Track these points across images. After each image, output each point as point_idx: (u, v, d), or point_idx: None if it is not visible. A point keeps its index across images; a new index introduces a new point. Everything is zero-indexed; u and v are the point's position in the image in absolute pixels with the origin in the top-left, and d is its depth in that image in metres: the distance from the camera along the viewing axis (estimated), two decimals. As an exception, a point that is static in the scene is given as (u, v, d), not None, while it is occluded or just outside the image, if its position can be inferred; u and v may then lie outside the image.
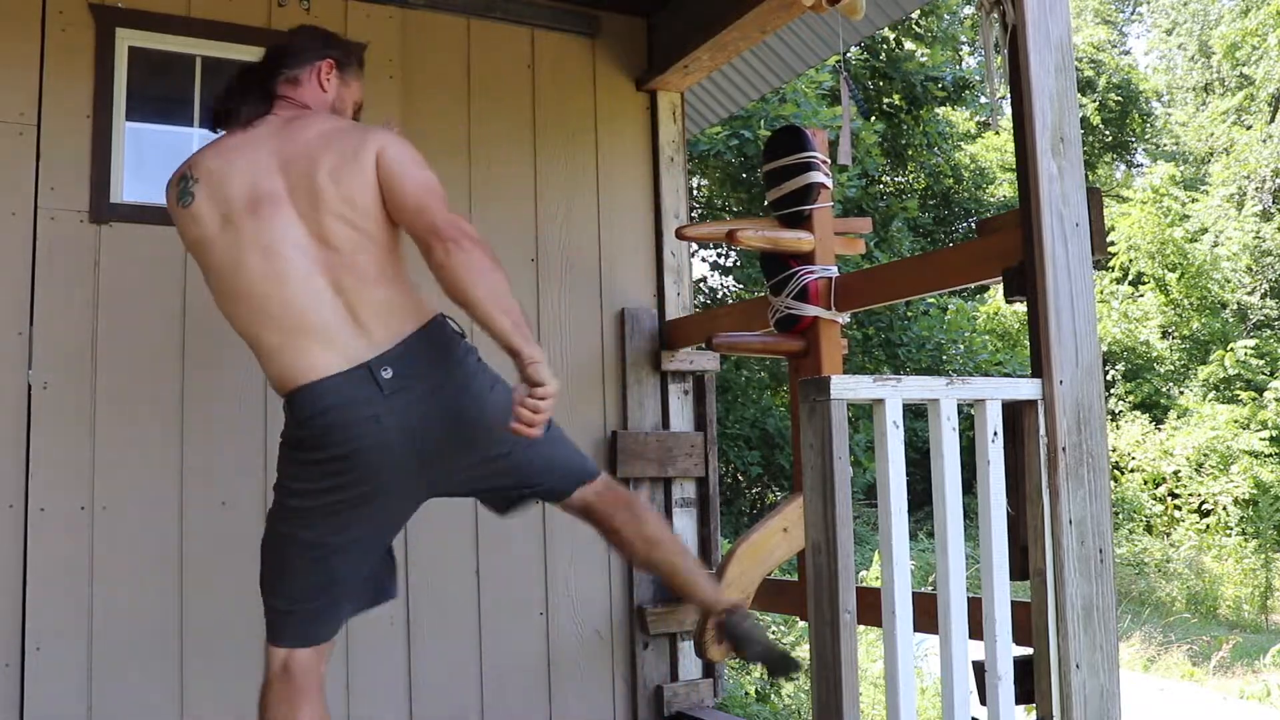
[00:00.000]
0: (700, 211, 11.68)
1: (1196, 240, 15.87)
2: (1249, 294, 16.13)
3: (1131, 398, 14.78)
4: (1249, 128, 18.35)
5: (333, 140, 2.10)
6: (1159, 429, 13.64)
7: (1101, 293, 15.53)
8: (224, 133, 2.20)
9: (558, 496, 2.41)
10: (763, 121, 9.68)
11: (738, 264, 11.95)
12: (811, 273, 2.86)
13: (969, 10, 14.15)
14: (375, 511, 2.15)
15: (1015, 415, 2.20)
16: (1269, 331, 15.55)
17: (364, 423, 2.02)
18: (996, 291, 12.79)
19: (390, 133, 2.15)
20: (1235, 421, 12.69)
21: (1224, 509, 11.74)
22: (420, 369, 2.07)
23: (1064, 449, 2.16)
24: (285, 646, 2.16)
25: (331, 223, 2.05)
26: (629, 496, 2.52)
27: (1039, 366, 2.20)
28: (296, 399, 2.05)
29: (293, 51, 2.29)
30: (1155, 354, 15.18)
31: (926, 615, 2.19)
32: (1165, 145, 21.44)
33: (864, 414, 9.24)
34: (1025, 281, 2.24)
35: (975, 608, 2.13)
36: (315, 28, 2.41)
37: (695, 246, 9.82)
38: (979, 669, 2.14)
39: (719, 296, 12.49)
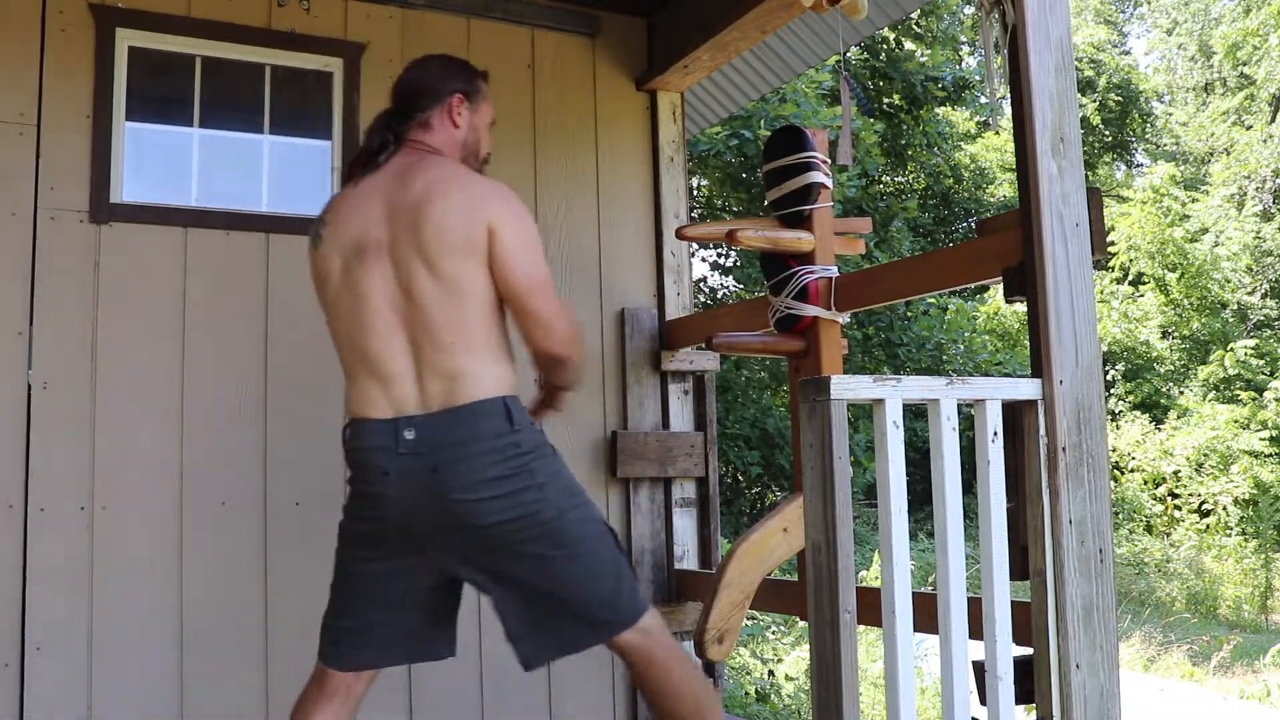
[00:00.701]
0: (700, 211, 11.68)
1: (1196, 240, 15.88)
2: (1249, 294, 16.14)
3: (1131, 398, 14.78)
4: (1249, 128, 18.35)
5: (443, 195, 2.13)
6: (1159, 429, 13.64)
7: (1101, 293, 15.53)
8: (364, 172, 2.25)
9: (598, 635, 2.20)
10: (763, 121, 9.68)
11: (738, 264, 11.96)
12: (811, 273, 2.86)
13: (969, 10, 14.16)
14: (390, 554, 2.18)
15: (1015, 415, 2.20)
16: (1269, 331, 15.55)
17: (377, 471, 2.12)
18: (996, 291, 12.79)
19: (507, 203, 2.17)
20: (1235, 421, 12.69)
21: (1224, 509, 11.74)
22: (438, 441, 2.08)
23: (1064, 449, 2.16)
24: (319, 659, 2.25)
25: (422, 279, 2.11)
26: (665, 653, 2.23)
27: (1039, 366, 2.20)
28: (351, 426, 2.18)
29: (422, 93, 2.30)
30: (1155, 354, 15.18)
31: (926, 615, 2.19)
32: (1165, 145, 21.45)
33: (864, 414, 9.24)
34: (1025, 281, 2.24)
35: (975, 608, 2.13)
36: (438, 60, 2.39)
37: (695, 246, 9.82)
38: (979, 669, 2.14)
39: (719, 296, 12.50)
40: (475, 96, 2.35)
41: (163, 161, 3.18)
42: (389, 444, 2.09)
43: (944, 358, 11.85)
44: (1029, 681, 2.15)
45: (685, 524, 3.71)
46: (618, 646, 2.20)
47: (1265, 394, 13.09)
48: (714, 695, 2.29)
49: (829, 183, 2.93)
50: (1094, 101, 19.71)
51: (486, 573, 2.16)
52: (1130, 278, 15.90)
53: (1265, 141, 17.29)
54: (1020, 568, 2.18)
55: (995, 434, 2.14)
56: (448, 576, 2.23)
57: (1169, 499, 12.49)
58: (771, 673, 5.55)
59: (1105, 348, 14.86)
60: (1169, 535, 12.01)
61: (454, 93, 2.31)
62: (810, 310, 2.85)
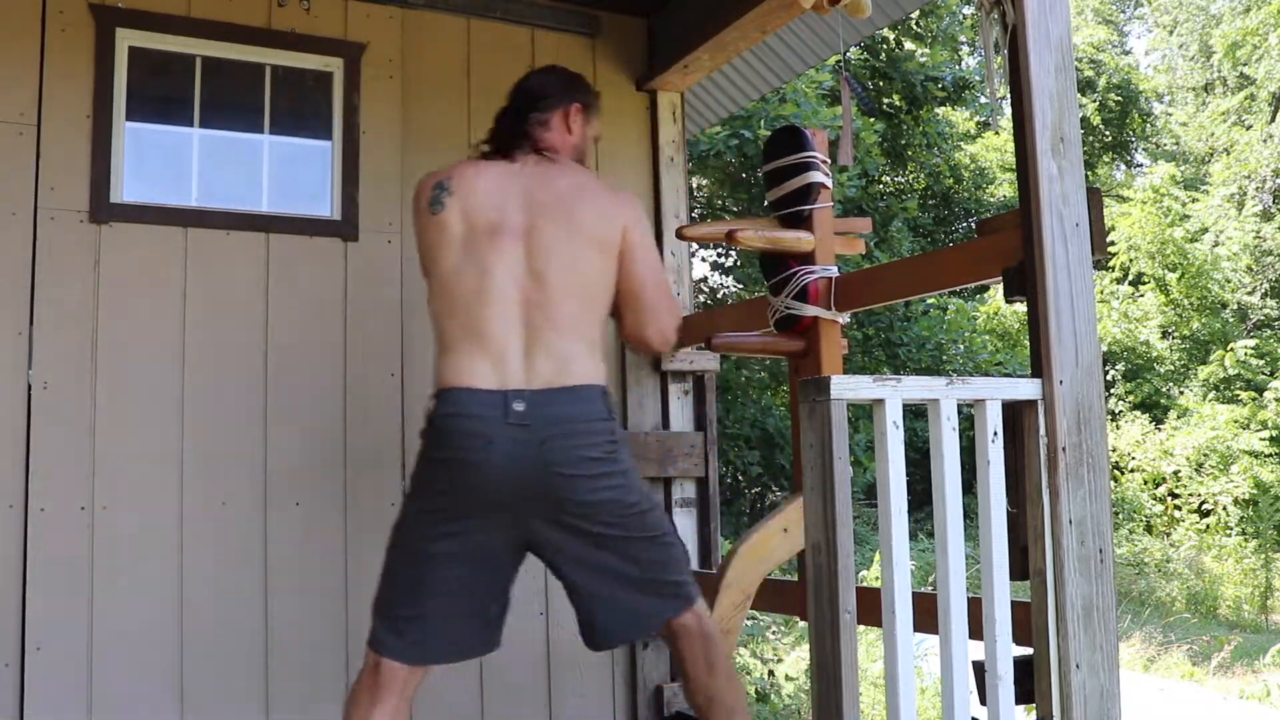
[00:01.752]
0: (700, 211, 11.68)
1: (1197, 240, 15.88)
2: (1249, 294, 16.14)
3: (1131, 398, 14.78)
4: (1249, 128, 18.35)
5: (587, 196, 2.36)
6: (1159, 429, 13.64)
7: (1101, 293, 15.53)
8: (487, 157, 2.43)
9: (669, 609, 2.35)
10: (763, 121, 9.68)
11: (738, 264, 11.96)
12: (811, 273, 2.86)
13: (969, 10, 14.16)
14: (467, 531, 2.23)
15: (1015, 415, 2.20)
16: (1269, 331, 15.56)
17: (476, 437, 2.18)
18: (996, 291, 12.79)
19: (638, 209, 2.44)
20: (1235, 421, 12.69)
21: (1224, 509, 11.74)
22: (548, 417, 2.20)
23: (1064, 449, 2.16)
24: (373, 650, 2.27)
25: (554, 267, 2.28)
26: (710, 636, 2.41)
27: (1039, 366, 2.20)
28: (444, 395, 2.25)
29: (543, 94, 2.49)
30: (1155, 354, 15.18)
31: (926, 615, 2.19)
32: (1165, 145, 21.45)
33: (864, 414, 9.24)
34: (1025, 281, 2.24)
35: (975, 608, 2.13)
36: (560, 70, 2.60)
37: (695, 246, 9.82)
38: (979, 669, 2.14)
39: (719, 296, 12.49)
40: (591, 110, 2.57)
41: (163, 161, 3.18)
42: (497, 414, 2.18)
43: (944, 358, 11.85)
44: (1029, 681, 2.15)
45: (685, 524, 3.71)
46: (676, 625, 2.35)
47: (1265, 394, 13.09)
48: (739, 681, 2.47)
49: (829, 183, 2.92)
50: (1094, 101, 19.70)
51: (568, 548, 2.27)
52: (1130, 278, 15.90)
53: (1265, 141, 17.29)
54: (1020, 568, 2.18)
55: (995, 434, 2.14)
56: (523, 549, 2.31)
57: (1169, 499, 12.49)
58: (771, 673, 5.55)
59: (1105, 348, 14.86)
60: (1169, 535, 12.01)
61: (574, 101, 2.51)
62: (810, 310, 2.85)
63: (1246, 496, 11.66)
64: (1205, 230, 16.20)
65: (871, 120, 11.89)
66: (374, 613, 2.31)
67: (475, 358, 2.23)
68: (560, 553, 2.29)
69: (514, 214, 2.31)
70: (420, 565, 2.25)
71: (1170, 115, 22.10)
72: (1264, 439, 12.32)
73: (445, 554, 2.24)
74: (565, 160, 2.46)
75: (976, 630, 2.12)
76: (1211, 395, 14.03)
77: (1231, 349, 14.13)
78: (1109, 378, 14.89)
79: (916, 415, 8.78)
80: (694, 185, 11.47)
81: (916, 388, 2.09)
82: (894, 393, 2.04)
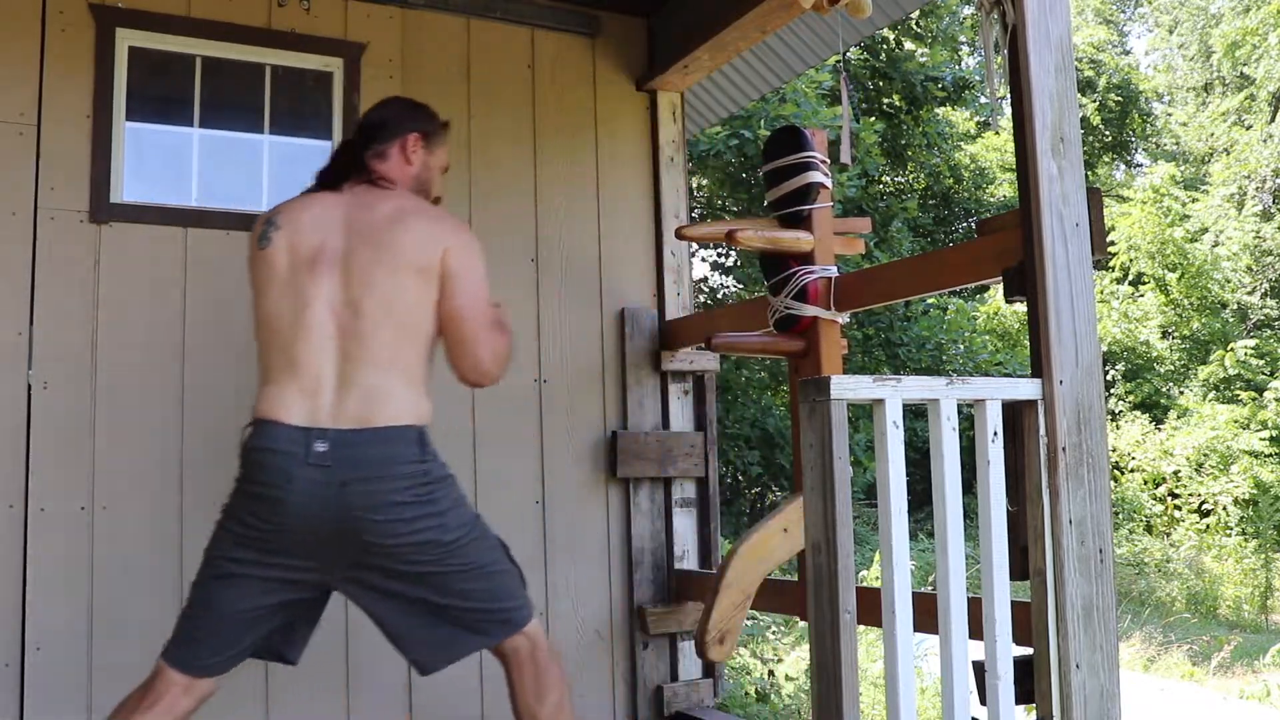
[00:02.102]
0: (700, 211, 11.68)
1: (1196, 240, 15.87)
2: (1249, 294, 16.14)
3: (1131, 398, 14.77)
4: (1249, 128, 18.35)
5: (408, 221, 2.27)
6: (1159, 429, 13.63)
7: (1101, 293, 15.53)
8: (317, 190, 2.38)
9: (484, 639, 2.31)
10: (763, 121, 9.68)
11: (738, 264, 11.96)
12: (811, 273, 2.86)
13: (969, 10, 14.16)
14: (268, 563, 2.20)
15: (1015, 415, 2.20)
16: (1269, 331, 15.55)
17: (278, 473, 2.14)
18: (996, 291, 12.79)
19: (462, 234, 2.32)
20: (1235, 421, 12.68)
21: (1224, 509, 11.73)
22: (350, 459, 2.14)
23: (1064, 449, 2.16)
24: (161, 655, 2.27)
25: (369, 297, 2.20)
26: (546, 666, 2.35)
27: (1039, 366, 2.20)
28: (257, 426, 2.21)
29: (380, 125, 2.45)
30: (1155, 354, 15.18)
31: (926, 615, 2.19)
32: (1165, 145, 21.44)
33: (864, 414, 9.24)
34: (1025, 281, 2.24)
35: (975, 608, 2.13)
36: (401, 100, 2.56)
37: (695, 246, 9.82)
38: (979, 669, 2.14)
39: (719, 296, 12.50)
40: (432, 139, 2.50)
41: (163, 161, 3.18)
42: (298, 451, 2.13)
43: (944, 358, 11.85)
44: (1029, 681, 2.15)
45: (685, 524, 3.71)
46: (506, 648, 2.32)
47: (1265, 394, 13.08)
48: (572, 709, 2.39)
49: (828, 183, 2.92)
50: (1094, 101, 19.70)
51: (376, 589, 2.23)
52: (1130, 278, 15.89)
53: (1265, 141, 17.28)
54: (1020, 568, 2.18)
55: (995, 434, 2.14)
56: (326, 589, 2.28)
57: (1169, 499, 12.48)
58: (771, 673, 5.54)
59: (1105, 348, 14.86)
60: (1169, 535, 12.01)
61: (411, 131, 2.45)
62: (810, 310, 2.85)
63: (1246, 496, 11.66)
64: (1205, 230, 16.20)
65: (871, 120, 11.90)
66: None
67: (288, 390, 2.18)
68: (372, 590, 2.24)
69: (333, 243, 2.25)
70: (214, 583, 2.23)
71: (1170, 115, 22.09)
72: (1264, 439, 12.31)
73: (242, 577, 2.20)
74: (392, 185, 2.39)
75: (976, 630, 2.12)
76: (1211, 395, 14.02)
77: (1231, 349, 14.12)
78: (1109, 378, 14.89)
79: (916, 415, 8.79)
80: (694, 185, 11.47)
81: (916, 388, 2.09)
82: (894, 393, 2.04)
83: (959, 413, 2.12)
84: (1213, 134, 19.68)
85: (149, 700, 2.21)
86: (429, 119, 2.51)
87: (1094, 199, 2.25)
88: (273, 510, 2.15)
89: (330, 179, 2.37)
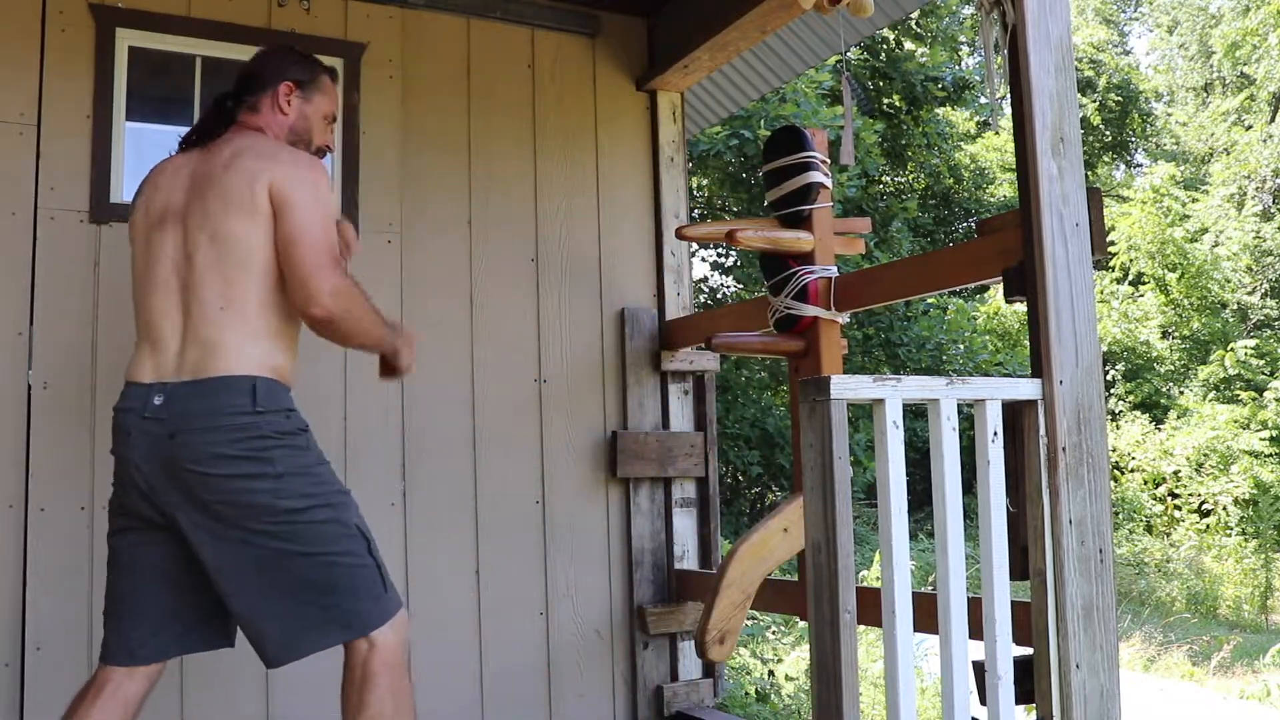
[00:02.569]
0: (700, 211, 11.69)
1: (1196, 240, 15.88)
2: (1249, 294, 16.14)
3: (1131, 398, 14.78)
4: (1249, 128, 18.35)
5: (238, 163, 2.18)
6: (1159, 429, 13.63)
7: (1101, 293, 15.53)
8: (183, 149, 2.35)
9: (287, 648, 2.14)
10: (763, 121, 9.68)
11: (738, 264, 11.96)
12: (811, 273, 2.86)
13: (969, 10, 14.16)
14: (138, 527, 2.18)
15: (1015, 415, 2.20)
16: (1269, 331, 15.55)
17: (123, 432, 2.16)
18: (996, 291, 12.79)
19: (297, 166, 2.19)
20: (1235, 421, 12.69)
21: (1224, 509, 11.73)
22: (181, 411, 2.09)
23: (1064, 449, 2.16)
24: (99, 661, 2.23)
25: (203, 244, 2.16)
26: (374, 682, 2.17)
27: (1039, 366, 2.20)
28: (124, 390, 2.22)
29: (251, 76, 2.39)
30: (1155, 354, 15.18)
31: (926, 615, 2.19)
32: (1165, 145, 21.44)
33: (864, 414, 9.24)
34: (1025, 281, 2.24)
35: (975, 608, 2.13)
36: (278, 50, 2.48)
37: (695, 246, 9.83)
38: (979, 669, 2.14)
39: (719, 296, 12.50)
40: (309, 87, 2.42)
41: (163, 161, 3.17)
42: (138, 407, 2.13)
43: (944, 358, 11.85)
44: (1029, 681, 2.15)
45: (685, 524, 3.71)
46: (347, 650, 2.17)
47: (1265, 394, 13.08)
48: None
49: (828, 183, 2.93)
50: (1094, 101, 19.70)
51: (220, 550, 2.09)
52: (1130, 278, 15.90)
53: (1265, 141, 17.28)
54: (1020, 568, 2.18)
55: (995, 434, 2.14)
56: (190, 549, 2.16)
57: (1169, 499, 12.48)
58: (771, 673, 5.54)
59: (1105, 348, 14.86)
60: (1169, 535, 12.01)
61: (284, 80, 2.38)
62: (810, 310, 2.85)
63: (1246, 496, 11.66)
64: (1205, 230, 16.20)
65: (871, 120, 11.90)
66: None
67: (143, 350, 2.20)
68: (215, 555, 2.09)
69: (176, 199, 2.23)
70: (112, 563, 2.24)
71: (1170, 115, 22.09)
72: (1264, 439, 12.32)
73: (127, 547, 2.20)
74: (253, 132, 2.31)
75: (976, 630, 2.13)
76: (1211, 395, 14.02)
77: (1231, 349, 14.13)
78: (1109, 378, 14.89)
79: (916, 415, 8.79)
80: (694, 185, 11.47)
81: (916, 388, 2.09)
82: (894, 393, 2.04)
83: (959, 413, 2.12)
84: (1213, 134, 19.69)
85: (93, 692, 2.18)
86: (305, 68, 2.43)
87: (1094, 199, 2.26)
88: (122, 468, 2.17)
89: (196, 137, 2.33)
